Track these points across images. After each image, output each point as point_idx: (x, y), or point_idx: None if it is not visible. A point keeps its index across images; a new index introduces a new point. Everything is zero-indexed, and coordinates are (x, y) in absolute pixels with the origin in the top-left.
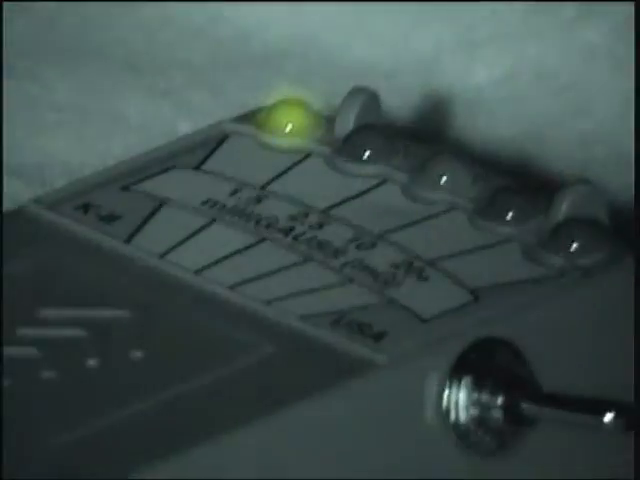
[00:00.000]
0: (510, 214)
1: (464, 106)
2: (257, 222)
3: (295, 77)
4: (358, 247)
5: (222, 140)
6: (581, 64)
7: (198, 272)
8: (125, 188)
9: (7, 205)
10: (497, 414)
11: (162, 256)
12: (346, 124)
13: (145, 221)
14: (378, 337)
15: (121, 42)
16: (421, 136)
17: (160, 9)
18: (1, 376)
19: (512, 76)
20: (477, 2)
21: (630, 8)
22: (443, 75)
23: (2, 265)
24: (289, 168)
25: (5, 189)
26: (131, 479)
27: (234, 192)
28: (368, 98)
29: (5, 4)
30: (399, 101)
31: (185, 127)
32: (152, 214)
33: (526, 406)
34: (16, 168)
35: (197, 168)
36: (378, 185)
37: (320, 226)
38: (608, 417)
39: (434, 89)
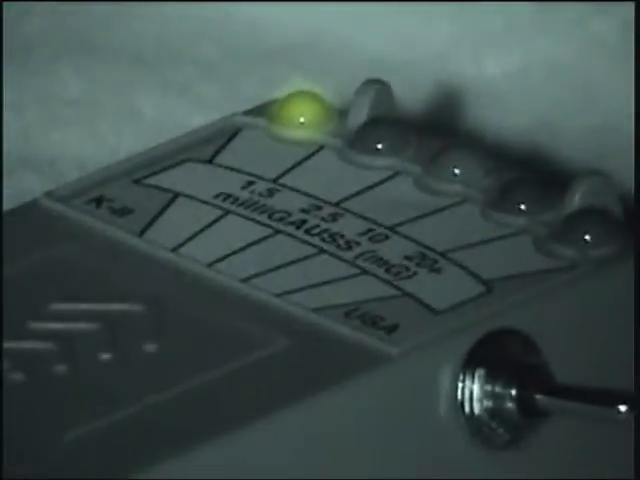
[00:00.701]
0: (522, 206)
1: (476, 99)
2: (270, 215)
3: (307, 71)
4: (371, 239)
5: (234, 133)
6: (593, 57)
7: (211, 265)
8: (137, 181)
9: (20, 198)
10: (511, 406)
11: (175, 249)
12: (359, 117)
13: (158, 214)
14: (391, 329)
15: (133, 37)
16: (433, 129)
17: (171, 4)
18: (1, 371)
19: (523, 69)
20: None
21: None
22: (455, 68)
23: (14, 259)
24: (302, 161)
25: (18, 182)
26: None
27: (247, 185)
28: (381, 90)
29: (16, 3)
30: (411, 94)
31: (197, 122)
32: (165, 207)
33: (540, 398)
34: (29, 161)
35: (209, 161)
36: (390, 177)
37: (333, 219)
38: (622, 408)
39: (446, 82)
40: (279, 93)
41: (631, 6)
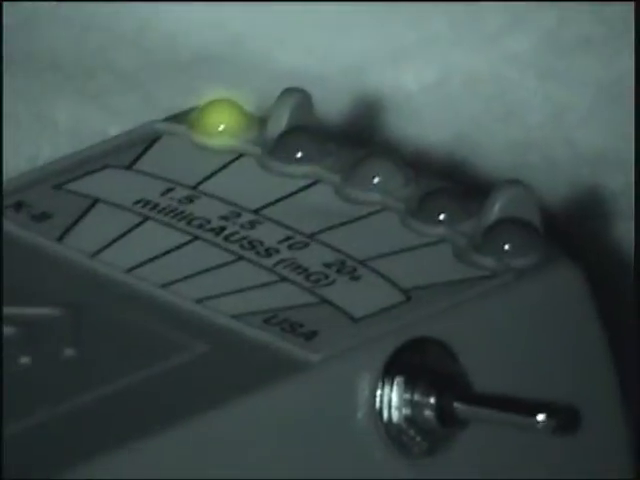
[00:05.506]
0: (442, 215)
1: (394, 110)
2: (189, 222)
3: (225, 80)
4: (290, 247)
5: (154, 140)
6: (509, 71)
7: (130, 271)
8: (57, 187)
9: None
10: (429, 414)
11: (94, 255)
12: (278, 125)
13: (77, 220)
14: (310, 336)
15: (49, 46)
16: (353, 138)
17: (86, 13)
18: None
19: (441, 82)
20: (404, 8)
21: (555, 18)
22: (373, 80)
23: None
24: (221, 168)
25: None
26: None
27: (166, 192)
28: (300, 99)
29: None
30: (330, 106)
31: (114, 131)
32: (84, 213)
33: (458, 406)
34: None
35: (129, 167)
36: (310, 185)
37: (252, 226)
38: (540, 417)
39: (364, 93)
40: (196, 103)
41: (547, 20)
